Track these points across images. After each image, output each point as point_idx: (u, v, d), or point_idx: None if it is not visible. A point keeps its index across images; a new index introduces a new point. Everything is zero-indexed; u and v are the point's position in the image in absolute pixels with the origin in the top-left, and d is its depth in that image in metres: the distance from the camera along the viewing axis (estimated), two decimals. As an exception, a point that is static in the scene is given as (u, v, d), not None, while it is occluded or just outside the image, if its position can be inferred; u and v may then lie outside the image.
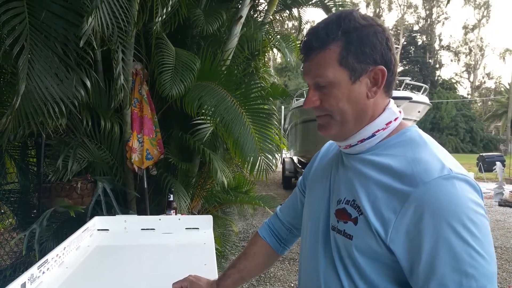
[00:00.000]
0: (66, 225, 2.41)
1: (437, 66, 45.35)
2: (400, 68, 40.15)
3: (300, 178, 1.05)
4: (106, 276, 1.19)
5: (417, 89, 8.82)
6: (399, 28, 43.63)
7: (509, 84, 31.50)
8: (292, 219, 1.06)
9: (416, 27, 45.88)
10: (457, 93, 41.97)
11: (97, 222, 1.64)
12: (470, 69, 47.32)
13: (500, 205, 8.24)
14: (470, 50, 47.05)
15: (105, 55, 2.58)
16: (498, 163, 10.24)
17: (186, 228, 1.67)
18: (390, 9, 45.84)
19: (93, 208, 2.33)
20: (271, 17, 3.92)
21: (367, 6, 43.63)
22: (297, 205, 1.04)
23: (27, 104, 1.92)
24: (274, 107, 3.42)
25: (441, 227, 0.61)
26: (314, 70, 0.73)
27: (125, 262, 1.34)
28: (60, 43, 2.03)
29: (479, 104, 44.37)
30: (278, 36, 3.89)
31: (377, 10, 44.39)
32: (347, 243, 0.72)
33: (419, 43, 44.77)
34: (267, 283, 3.65)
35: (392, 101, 0.78)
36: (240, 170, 4.17)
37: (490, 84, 51.32)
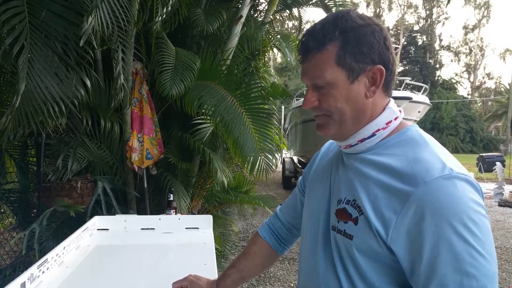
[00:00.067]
0: (66, 225, 2.40)
1: (437, 66, 45.35)
2: (400, 68, 40.19)
3: (300, 178, 1.04)
4: (106, 276, 1.19)
5: (417, 89, 8.83)
6: (399, 28, 43.63)
7: (509, 84, 31.51)
8: (292, 219, 1.06)
9: (416, 27, 45.90)
10: (457, 93, 41.96)
11: (97, 221, 1.64)
12: (470, 69, 47.32)
13: (500, 205, 8.24)
14: (470, 50, 47.06)
15: (105, 54, 2.58)
16: (498, 163, 10.24)
17: (186, 228, 1.67)
18: (390, 9, 45.84)
19: (93, 207, 2.33)
20: (271, 16, 3.92)
21: (367, 6, 43.65)
22: (297, 205, 1.04)
23: (27, 103, 1.92)
24: (274, 107, 3.42)
25: (442, 227, 0.60)
26: (312, 71, 0.73)
27: (125, 261, 1.33)
28: (60, 42, 2.03)
29: (479, 104, 44.38)
30: (278, 36, 3.89)
31: (377, 10, 44.40)
32: (347, 243, 0.72)
33: (419, 43, 44.76)
34: (267, 283, 3.65)
35: (392, 100, 0.78)
36: (240, 170, 4.17)
37: (490, 84, 51.38)
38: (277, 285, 3.62)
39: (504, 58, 47.22)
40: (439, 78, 43.16)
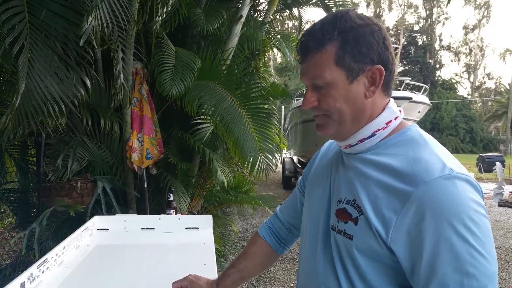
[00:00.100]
0: (66, 225, 2.40)
1: (437, 66, 45.35)
2: (400, 68, 40.18)
3: (300, 178, 1.04)
4: (105, 276, 1.19)
5: (417, 89, 8.83)
6: (399, 28, 43.63)
7: (509, 84, 31.51)
8: (292, 219, 1.06)
9: (416, 27, 45.90)
10: (457, 93, 41.95)
11: (96, 221, 1.64)
12: (470, 69, 47.32)
13: (499, 205, 8.24)
14: (471, 50, 47.05)
15: (105, 54, 2.58)
16: (498, 163, 10.23)
17: (186, 228, 1.67)
18: (390, 9, 45.83)
19: (92, 207, 2.33)
20: (271, 16, 3.93)
21: (368, 6, 43.65)
22: (296, 205, 1.03)
23: (27, 103, 1.92)
24: (274, 107, 3.42)
25: (442, 226, 0.60)
26: (311, 71, 0.73)
27: (124, 261, 1.33)
28: (60, 42, 2.03)
29: (479, 105, 44.37)
30: (278, 36, 3.89)
31: (378, 10, 44.40)
32: (347, 243, 0.72)
33: (420, 43, 44.76)
34: (267, 283, 3.65)
35: (392, 100, 0.77)
36: (240, 170, 4.17)
37: (490, 84, 51.37)
38: (277, 285, 3.62)
39: (504, 58, 47.25)
40: (439, 78, 43.17)
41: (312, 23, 0.77)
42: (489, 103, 40.72)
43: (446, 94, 37.34)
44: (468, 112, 37.26)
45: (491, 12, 48.67)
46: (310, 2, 4.09)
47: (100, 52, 2.53)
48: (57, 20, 2.01)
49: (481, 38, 46.75)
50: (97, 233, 1.60)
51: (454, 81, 43.62)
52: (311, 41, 0.72)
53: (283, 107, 12.78)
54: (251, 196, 3.79)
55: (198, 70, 2.74)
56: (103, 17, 2.05)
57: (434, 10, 45.15)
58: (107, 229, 1.64)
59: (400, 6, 45.15)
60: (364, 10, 40.82)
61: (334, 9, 3.99)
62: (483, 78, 48.18)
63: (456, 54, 47.65)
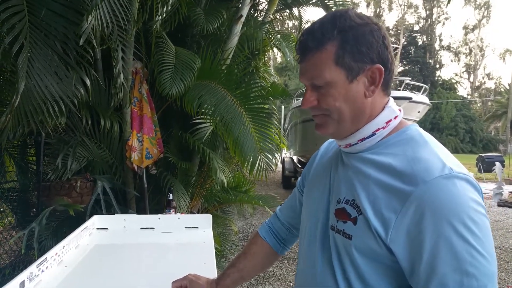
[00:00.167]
0: (66, 224, 2.40)
1: (437, 66, 45.36)
2: (400, 68, 40.17)
3: (299, 178, 1.04)
4: (105, 275, 1.19)
5: (417, 89, 8.84)
6: (399, 28, 43.62)
7: (509, 84, 31.49)
8: (292, 219, 1.06)
9: (416, 27, 45.90)
10: (457, 93, 41.97)
11: (96, 221, 1.64)
12: (470, 69, 47.33)
13: (499, 205, 8.24)
14: (470, 51, 47.07)
15: (105, 53, 2.58)
16: (497, 163, 10.25)
17: (185, 227, 1.67)
18: (390, 9, 45.83)
19: (92, 207, 2.33)
20: (271, 16, 3.93)
21: (368, 6, 43.64)
22: (296, 206, 1.03)
23: (26, 102, 1.92)
24: (274, 106, 3.42)
25: (442, 226, 0.60)
26: (311, 71, 0.73)
27: (124, 261, 1.33)
28: (60, 41, 2.03)
29: (479, 105, 44.37)
30: (279, 36, 3.90)
31: (378, 10, 44.39)
32: (346, 243, 0.71)
33: (420, 43, 44.76)
34: (266, 283, 3.65)
35: (392, 99, 0.77)
36: (239, 170, 4.17)
37: (490, 84, 51.35)
38: (277, 284, 3.63)
39: (504, 59, 47.26)
40: (439, 78, 43.18)
41: (311, 22, 0.76)
42: (489, 103, 40.72)
43: (446, 94, 37.36)
44: (468, 112, 37.28)
45: (491, 12, 48.71)
46: (310, 2, 4.09)
47: (100, 51, 2.53)
48: (57, 20, 2.01)
49: (481, 38, 46.80)
50: (97, 232, 1.60)
51: (454, 81, 43.65)
52: (310, 40, 0.72)
53: (283, 107, 12.79)
54: (250, 196, 3.79)
55: (198, 69, 2.74)
56: (103, 17, 2.05)
57: (434, 10, 45.18)
58: (107, 228, 1.64)
59: (400, 6, 45.17)
60: (364, 10, 40.84)
61: (334, 9, 3.99)
62: (483, 78, 48.24)
63: (456, 54, 47.69)
